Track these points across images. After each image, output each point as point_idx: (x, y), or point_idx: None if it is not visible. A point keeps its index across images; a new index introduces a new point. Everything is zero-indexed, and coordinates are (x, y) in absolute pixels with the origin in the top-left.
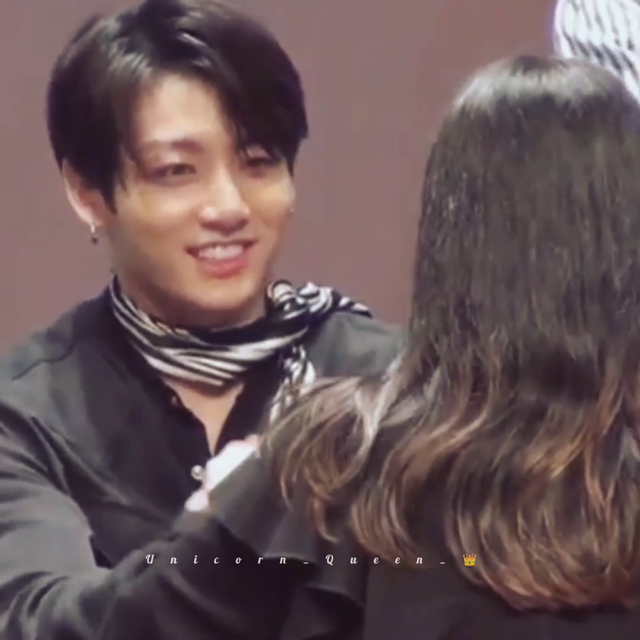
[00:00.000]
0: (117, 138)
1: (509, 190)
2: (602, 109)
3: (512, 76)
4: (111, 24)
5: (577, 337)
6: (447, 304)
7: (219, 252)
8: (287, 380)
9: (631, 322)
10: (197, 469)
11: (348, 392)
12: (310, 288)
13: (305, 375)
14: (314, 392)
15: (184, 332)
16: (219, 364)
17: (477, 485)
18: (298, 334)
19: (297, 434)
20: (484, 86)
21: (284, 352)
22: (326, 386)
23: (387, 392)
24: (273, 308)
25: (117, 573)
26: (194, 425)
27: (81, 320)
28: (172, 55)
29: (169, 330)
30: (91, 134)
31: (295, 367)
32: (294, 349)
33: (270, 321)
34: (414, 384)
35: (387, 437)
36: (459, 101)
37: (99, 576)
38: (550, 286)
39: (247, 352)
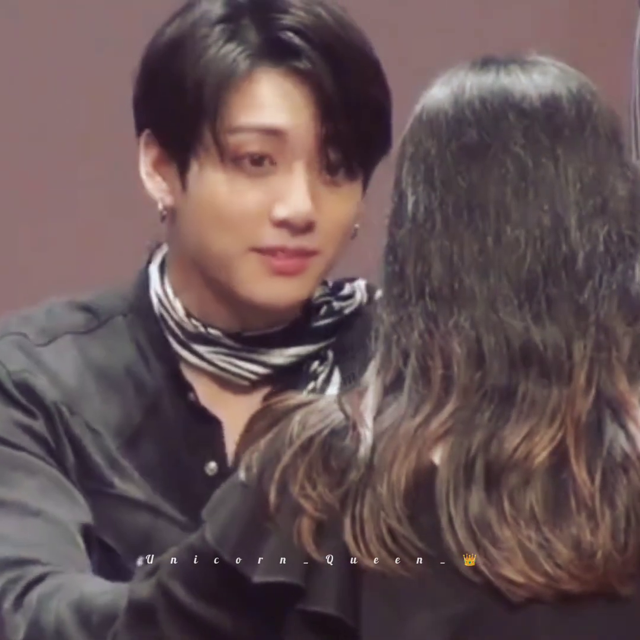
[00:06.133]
0: (204, 119)
1: (465, 178)
2: (562, 103)
3: (470, 73)
4: (216, 9)
5: (542, 328)
6: (409, 296)
7: (281, 256)
8: (312, 384)
9: (596, 305)
10: (211, 465)
11: (331, 407)
12: (347, 289)
13: (331, 378)
14: (294, 408)
15: (216, 332)
16: (248, 366)
17: (461, 476)
18: (330, 340)
19: (281, 453)
20: (442, 86)
21: (312, 355)
22: (305, 403)
23: (372, 395)
24: (309, 310)
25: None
26: (210, 422)
27: (118, 295)
28: (274, 52)
29: (202, 329)
30: (179, 111)
31: (321, 370)
32: (321, 351)
33: (305, 327)
34: (395, 381)
35: (379, 438)
36: (420, 103)
37: (94, 584)
38: (510, 271)
39: (278, 357)
